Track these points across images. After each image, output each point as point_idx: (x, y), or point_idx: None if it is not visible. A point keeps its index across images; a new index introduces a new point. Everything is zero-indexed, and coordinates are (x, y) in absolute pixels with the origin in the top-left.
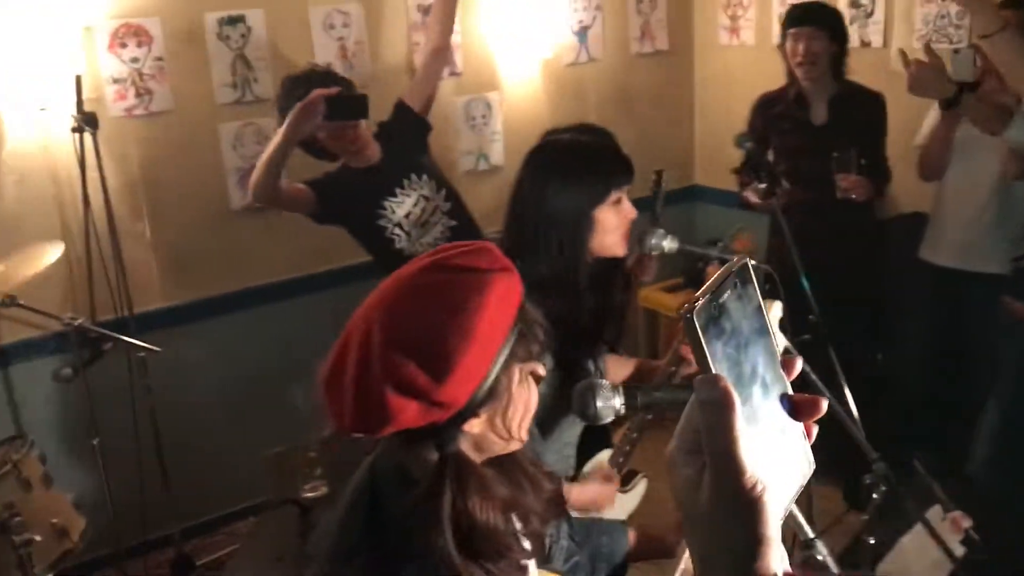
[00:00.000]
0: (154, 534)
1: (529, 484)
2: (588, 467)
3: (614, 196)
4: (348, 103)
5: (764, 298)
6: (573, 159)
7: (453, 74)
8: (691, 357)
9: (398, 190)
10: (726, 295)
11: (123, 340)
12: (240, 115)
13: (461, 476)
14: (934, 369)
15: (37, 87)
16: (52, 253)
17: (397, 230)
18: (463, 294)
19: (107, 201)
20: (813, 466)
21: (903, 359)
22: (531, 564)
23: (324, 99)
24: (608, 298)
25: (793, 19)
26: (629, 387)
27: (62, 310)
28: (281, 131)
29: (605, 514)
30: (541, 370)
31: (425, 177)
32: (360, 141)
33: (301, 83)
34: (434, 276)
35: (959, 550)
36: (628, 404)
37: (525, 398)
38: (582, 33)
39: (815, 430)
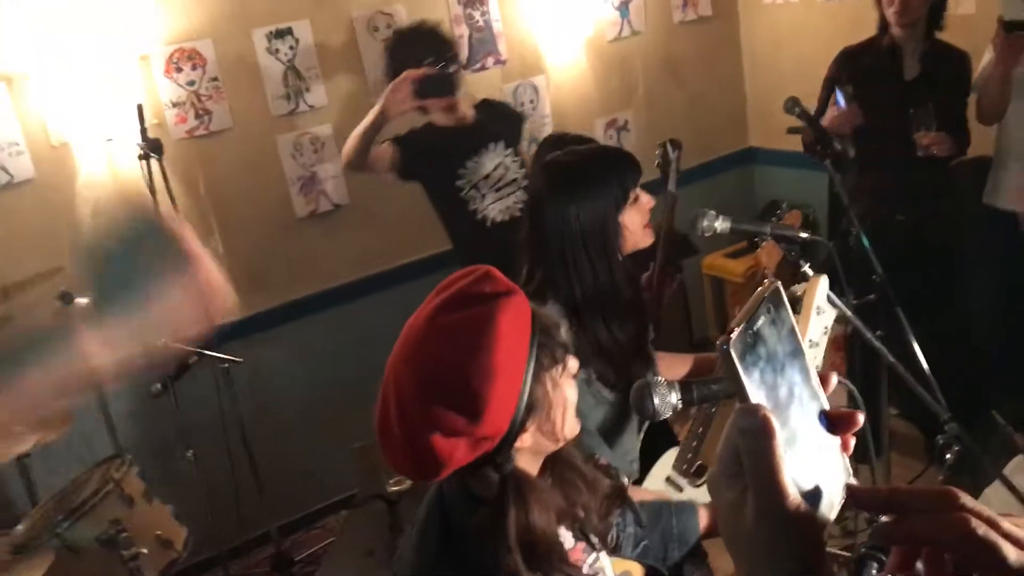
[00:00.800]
0: (252, 534)
1: (584, 483)
2: (656, 468)
3: (632, 195)
4: (437, 81)
5: (815, 272)
6: (582, 174)
7: (498, 62)
8: None
9: (482, 150)
10: (760, 322)
11: (207, 354)
12: (296, 125)
13: (522, 492)
14: (1009, 316)
15: (102, 119)
16: None
17: (473, 191)
18: (474, 331)
19: None
20: (852, 478)
21: (978, 308)
22: (602, 556)
23: (412, 81)
24: (638, 292)
25: None
26: (685, 382)
27: None
28: (375, 109)
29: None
30: (572, 364)
31: (511, 150)
32: (456, 111)
33: (404, 42)
34: (445, 319)
35: None
36: (685, 399)
37: (563, 398)
38: (623, 7)
39: (852, 442)
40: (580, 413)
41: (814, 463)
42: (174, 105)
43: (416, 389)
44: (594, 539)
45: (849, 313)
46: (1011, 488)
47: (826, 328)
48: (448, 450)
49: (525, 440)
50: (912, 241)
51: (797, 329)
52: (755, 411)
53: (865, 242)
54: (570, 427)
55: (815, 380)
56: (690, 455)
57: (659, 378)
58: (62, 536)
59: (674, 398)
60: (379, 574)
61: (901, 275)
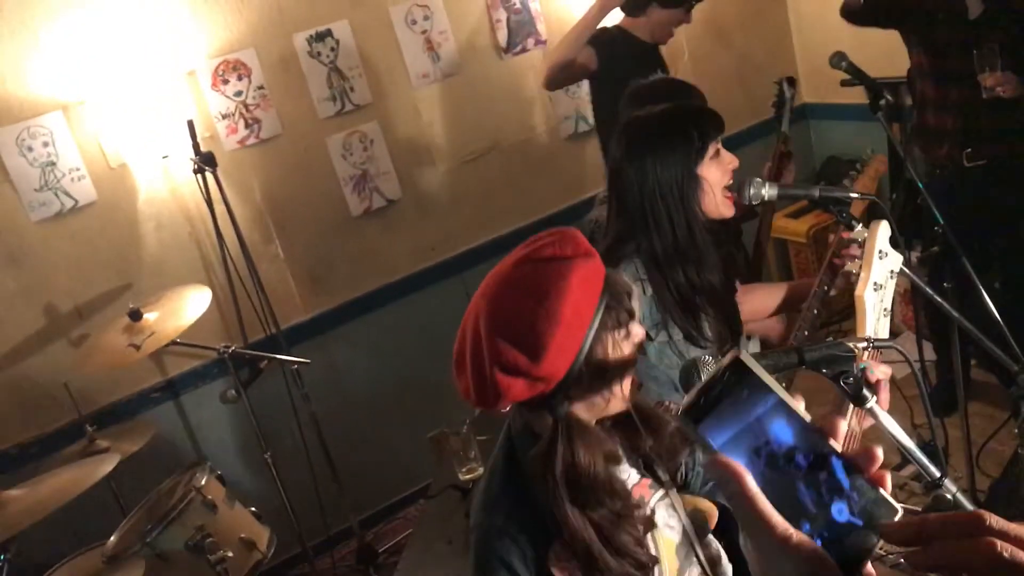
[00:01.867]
0: (335, 529)
1: (649, 428)
2: None
3: (712, 149)
4: None
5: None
6: (660, 128)
7: (539, 43)
8: (850, 265)
9: (659, 71)
10: (719, 389)
11: (276, 358)
12: (344, 125)
13: (571, 435)
14: None
15: (156, 137)
16: (200, 296)
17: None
18: (548, 283)
19: (237, 231)
20: (898, 510)
21: None
22: (672, 493)
23: None
24: (729, 256)
25: None
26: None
27: (216, 338)
28: (594, 6)
29: None
30: (637, 330)
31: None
32: (674, 31)
33: None
34: (524, 269)
35: None
36: None
37: (622, 359)
38: None
39: (888, 476)
40: (661, 374)
41: (835, 508)
42: (224, 117)
43: (488, 324)
44: (663, 476)
45: (907, 271)
46: None
47: (892, 272)
48: (507, 385)
49: (581, 390)
50: (981, 185)
51: (778, 386)
52: (716, 463)
53: (920, 187)
54: (625, 390)
55: (811, 429)
56: None
57: (706, 356)
58: (152, 544)
59: None
60: (458, 562)
61: (974, 221)
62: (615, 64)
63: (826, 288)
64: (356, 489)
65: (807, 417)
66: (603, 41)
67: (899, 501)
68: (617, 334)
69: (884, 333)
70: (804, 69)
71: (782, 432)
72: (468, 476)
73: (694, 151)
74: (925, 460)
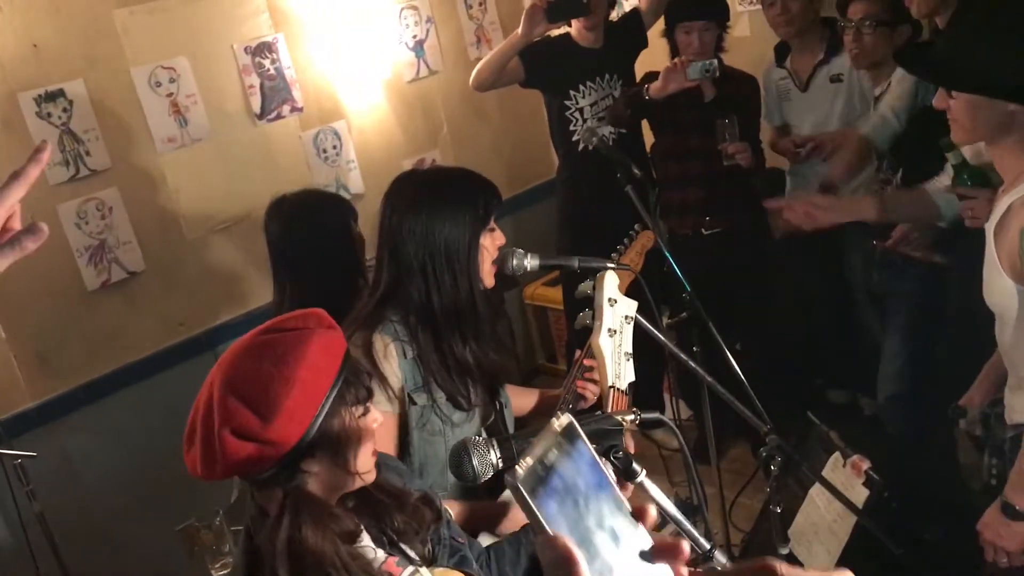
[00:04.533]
0: None
1: (393, 504)
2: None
3: (491, 222)
4: (566, 5)
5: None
6: (452, 189)
7: (295, 110)
8: (589, 391)
9: (597, 79)
10: (553, 455)
11: None
12: (78, 191)
13: (298, 508)
14: (820, 315)
15: None
16: None
17: (576, 114)
18: (286, 348)
19: None
20: None
21: (791, 311)
22: (423, 570)
23: (543, 7)
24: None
25: (681, 14)
26: (502, 439)
27: None
28: (514, 33)
29: None
30: (375, 413)
31: (621, 83)
32: (593, 31)
33: None
34: (265, 337)
35: (862, 492)
36: (505, 456)
37: (358, 436)
38: (418, 47)
39: (685, 573)
40: (420, 443)
41: None
42: None
43: (222, 386)
44: (411, 552)
45: (662, 338)
46: (830, 488)
47: (627, 316)
48: (235, 448)
49: (313, 465)
50: (719, 251)
51: (601, 462)
52: (554, 543)
53: (669, 258)
54: (363, 465)
55: (627, 512)
56: None
57: (477, 437)
58: None
59: (493, 457)
60: None
61: (717, 286)
62: (546, 70)
63: (571, 406)
64: None
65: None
66: (532, 51)
67: None
68: (355, 410)
69: (630, 376)
70: None
71: (602, 509)
72: (223, 573)
73: (479, 220)
74: (695, 533)
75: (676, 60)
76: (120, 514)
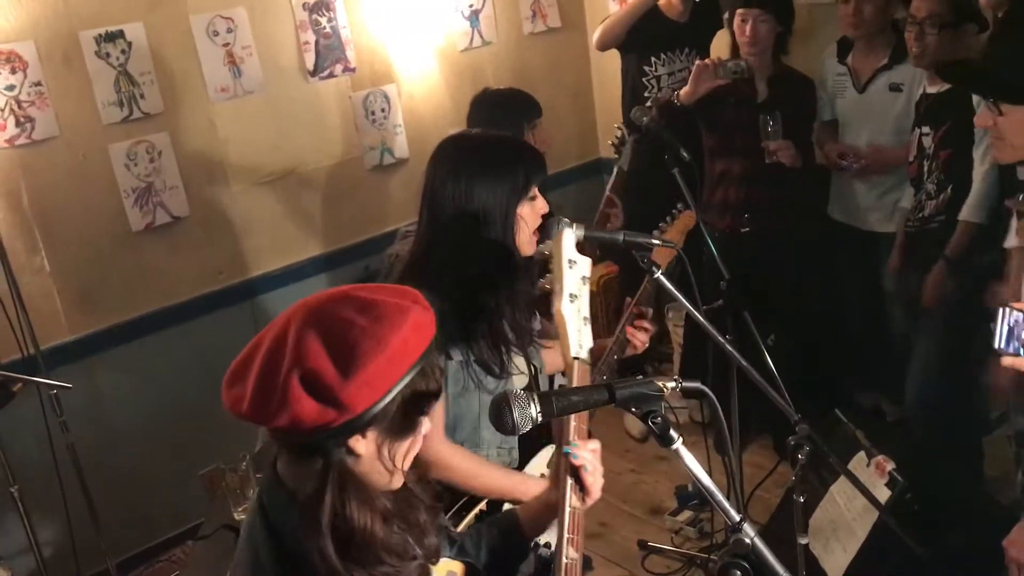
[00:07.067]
0: (88, 572)
1: (417, 499)
2: (534, 461)
3: (532, 190)
4: None
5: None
6: (493, 156)
7: (347, 70)
8: (638, 339)
9: (677, 51)
10: None
11: (32, 380)
12: (130, 133)
13: (343, 482)
14: (850, 317)
15: None
16: None
17: (653, 81)
18: (385, 310)
19: None
20: None
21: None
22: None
23: None
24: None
25: (739, 1)
26: (544, 394)
27: None
28: None
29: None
30: (427, 421)
31: (699, 58)
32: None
33: None
34: (364, 293)
35: (885, 492)
36: (544, 411)
37: (413, 433)
38: (473, 17)
39: None
40: (454, 397)
41: None
42: None
43: (302, 323)
44: (418, 552)
45: (700, 317)
46: (856, 483)
47: (584, 277)
48: (297, 397)
49: (360, 445)
50: (754, 252)
51: None
52: None
53: (710, 243)
54: (404, 464)
55: None
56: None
57: (519, 390)
58: None
59: (534, 411)
60: None
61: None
62: (634, 33)
63: (615, 357)
64: (116, 529)
65: None
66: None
67: (675, 546)
68: (416, 406)
69: (588, 342)
70: (603, 124)
71: None
72: (244, 516)
73: (518, 188)
74: (726, 503)
75: (706, 60)
76: (145, 453)
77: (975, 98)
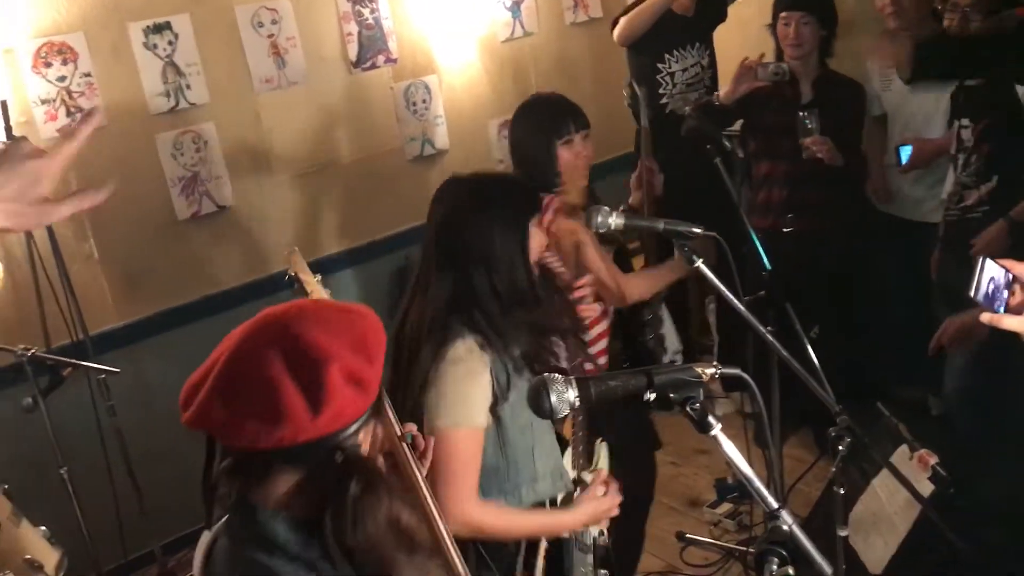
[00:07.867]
0: (134, 554)
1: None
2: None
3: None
4: None
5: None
6: (496, 194)
7: (389, 61)
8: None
9: (687, 47)
10: None
11: (81, 365)
12: (176, 123)
13: (372, 483)
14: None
15: None
16: None
17: (667, 78)
18: (369, 319)
19: (48, 225)
20: None
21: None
22: None
23: None
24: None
25: (782, 4)
26: (581, 379)
27: (13, 340)
28: None
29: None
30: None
31: (708, 52)
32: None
33: None
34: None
35: (927, 487)
36: (582, 396)
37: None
38: (515, 8)
39: None
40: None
41: None
42: (43, 102)
43: (315, 326)
44: None
45: (741, 307)
46: (898, 476)
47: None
48: (339, 385)
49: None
50: (796, 249)
51: None
52: None
53: (752, 234)
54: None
55: None
56: (581, 447)
57: (556, 375)
58: None
59: (571, 395)
60: None
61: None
62: (649, 33)
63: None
64: (161, 511)
65: None
66: None
67: (713, 538)
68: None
69: None
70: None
71: None
72: None
73: (523, 221)
74: (764, 491)
75: (747, 61)
76: (190, 437)
77: (1020, 88)
